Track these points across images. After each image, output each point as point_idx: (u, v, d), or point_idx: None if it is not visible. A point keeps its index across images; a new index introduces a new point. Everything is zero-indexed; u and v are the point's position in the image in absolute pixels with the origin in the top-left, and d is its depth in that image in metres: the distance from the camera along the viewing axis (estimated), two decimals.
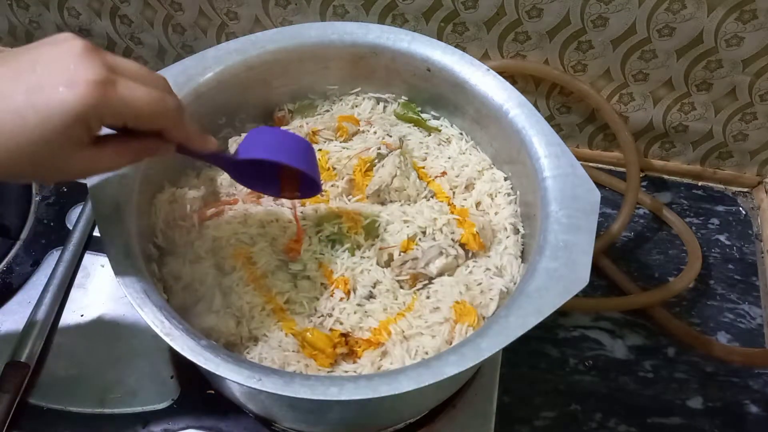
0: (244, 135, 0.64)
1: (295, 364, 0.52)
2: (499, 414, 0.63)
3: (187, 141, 0.47)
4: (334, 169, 0.62)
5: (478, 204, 0.62)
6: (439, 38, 0.74)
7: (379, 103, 0.69)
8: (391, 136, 0.65)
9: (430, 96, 0.66)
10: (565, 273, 0.49)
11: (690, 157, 0.84)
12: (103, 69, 0.40)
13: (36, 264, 0.73)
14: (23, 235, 0.76)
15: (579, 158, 0.56)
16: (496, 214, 0.61)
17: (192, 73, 0.60)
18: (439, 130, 0.67)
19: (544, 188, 0.54)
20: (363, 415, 0.58)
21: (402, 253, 0.58)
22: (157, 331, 0.47)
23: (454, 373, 0.45)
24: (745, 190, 0.86)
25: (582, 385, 0.70)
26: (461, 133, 0.67)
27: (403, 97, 0.68)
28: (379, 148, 0.62)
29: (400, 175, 0.61)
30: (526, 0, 0.69)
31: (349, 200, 0.61)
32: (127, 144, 0.44)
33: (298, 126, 0.66)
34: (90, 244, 0.73)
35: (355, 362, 0.53)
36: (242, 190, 0.61)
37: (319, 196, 0.62)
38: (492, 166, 0.65)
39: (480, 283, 0.57)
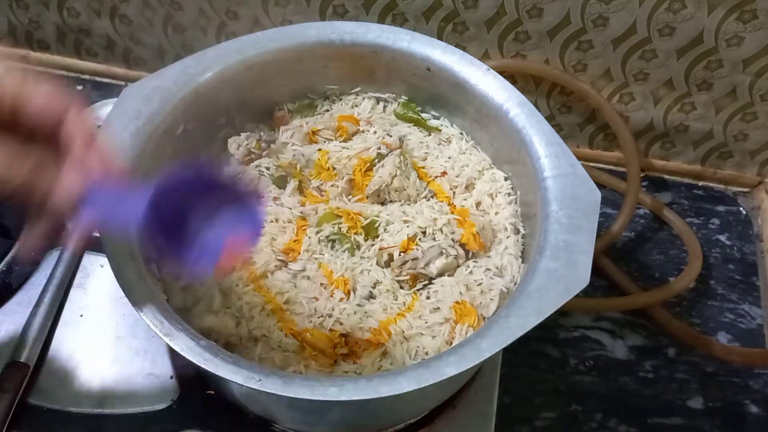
0: (244, 135, 0.64)
1: (294, 365, 0.52)
2: (499, 414, 0.63)
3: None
4: (334, 169, 0.62)
5: (478, 204, 0.62)
6: (439, 38, 0.74)
7: (379, 103, 0.69)
8: (391, 136, 0.65)
9: (430, 96, 0.66)
10: (565, 273, 0.49)
11: (690, 157, 0.84)
12: None
13: (36, 264, 0.73)
14: (23, 235, 0.75)
15: (579, 158, 0.56)
16: (496, 214, 0.61)
17: (192, 73, 0.60)
18: (439, 130, 0.67)
19: (544, 188, 0.54)
20: (363, 416, 0.58)
21: (402, 253, 0.58)
22: (157, 331, 0.46)
23: (454, 374, 0.45)
24: (746, 190, 0.86)
25: (582, 386, 0.70)
26: (461, 133, 0.66)
27: (403, 96, 0.68)
28: (379, 148, 0.62)
29: (400, 175, 0.61)
30: None
31: (349, 200, 0.61)
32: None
33: (298, 126, 0.66)
34: (90, 245, 0.73)
35: (355, 363, 0.53)
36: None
37: (319, 196, 0.62)
38: (492, 165, 0.65)
39: (480, 284, 0.57)
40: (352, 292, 0.56)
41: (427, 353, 0.53)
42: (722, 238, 0.81)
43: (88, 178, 0.39)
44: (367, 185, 0.61)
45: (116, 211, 0.40)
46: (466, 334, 0.53)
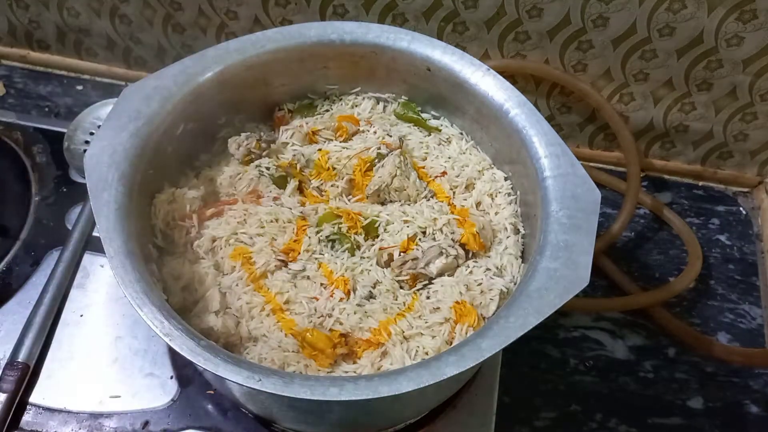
0: (244, 135, 0.64)
1: (294, 365, 0.52)
2: (499, 414, 0.63)
3: None
4: (334, 169, 0.62)
5: (478, 204, 0.62)
6: (439, 38, 0.74)
7: (379, 103, 0.69)
8: (391, 136, 0.65)
9: (430, 96, 0.66)
10: (565, 273, 0.49)
11: (690, 157, 0.84)
12: None
13: (35, 264, 0.73)
14: (23, 235, 0.75)
15: (579, 158, 0.56)
16: (496, 214, 0.61)
17: (192, 73, 0.60)
18: (439, 130, 0.67)
19: (544, 188, 0.54)
20: (363, 416, 0.58)
21: (402, 253, 0.58)
22: (157, 331, 0.46)
23: (454, 374, 0.45)
24: (746, 190, 0.86)
25: (582, 386, 0.70)
26: (461, 133, 0.66)
27: (403, 96, 0.68)
28: (379, 148, 0.62)
29: (400, 175, 0.61)
30: None
31: (349, 200, 0.61)
32: None
33: (298, 126, 0.66)
34: (89, 245, 0.73)
35: (355, 362, 0.53)
36: (242, 189, 0.61)
37: (319, 196, 0.62)
38: (492, 165, 0.64)
39: (480, 284, 0.56)
40: (352, 292, 0.56)
41: (427, 353, 0.53)
42: (722, 238, 0.81)
43: None
44: (367, 185, 0.61)
45: None
46: (466, 334, 0.53)
